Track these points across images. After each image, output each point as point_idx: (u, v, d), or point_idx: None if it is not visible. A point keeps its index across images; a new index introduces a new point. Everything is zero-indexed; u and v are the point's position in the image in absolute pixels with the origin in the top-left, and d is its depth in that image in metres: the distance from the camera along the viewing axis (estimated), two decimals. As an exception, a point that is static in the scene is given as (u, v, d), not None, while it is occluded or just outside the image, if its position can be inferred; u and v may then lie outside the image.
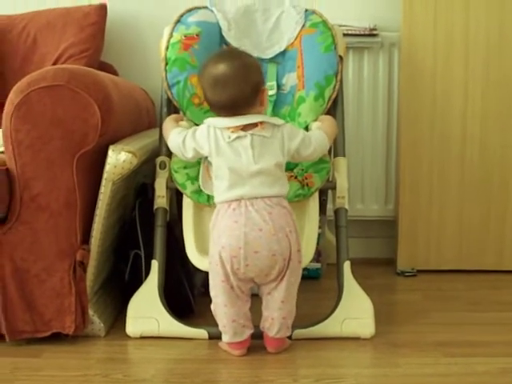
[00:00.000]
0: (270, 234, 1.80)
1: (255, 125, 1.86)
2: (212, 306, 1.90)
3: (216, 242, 1.83)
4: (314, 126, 2.02)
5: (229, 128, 1.86)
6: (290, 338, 1.92)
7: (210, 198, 2.01)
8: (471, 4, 2.53)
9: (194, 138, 1.90)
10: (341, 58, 2.15)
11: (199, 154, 1.91)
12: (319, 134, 1.97)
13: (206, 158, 1.93)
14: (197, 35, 2.15)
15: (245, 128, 1.86)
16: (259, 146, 1.84)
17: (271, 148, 1.86)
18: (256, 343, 1.90)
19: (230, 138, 1.85)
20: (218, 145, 1.86)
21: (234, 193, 1.83)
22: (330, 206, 2.25)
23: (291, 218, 1.85)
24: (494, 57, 2.55)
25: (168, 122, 2.04)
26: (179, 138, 1.93)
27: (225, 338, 1.89)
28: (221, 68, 1.86)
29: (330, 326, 1.96)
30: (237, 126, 1.85)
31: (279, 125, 1.89)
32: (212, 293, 1.88)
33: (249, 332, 1.88)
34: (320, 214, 2.10)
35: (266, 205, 1.82)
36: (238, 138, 1.85)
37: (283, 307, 1.85)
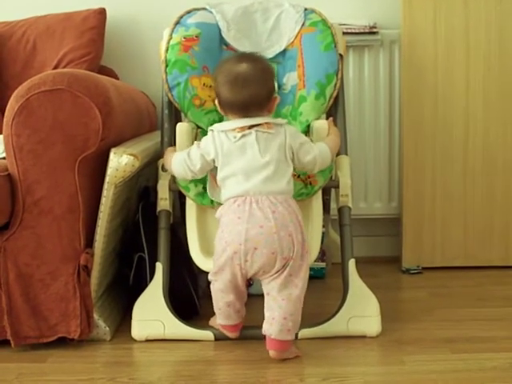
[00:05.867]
0: (270, 231, 1.79)
1: (260, 124, 1.87)
2: (211, 287, 1.91)
3: (220, 236, 1.84)
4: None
5: (234, 129, 1.87)
6: (296, 337, 1.90)
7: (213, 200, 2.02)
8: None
9: (198, 147, 1.91)
10: (341, 56, 2.15)
11: (207, 162, 1.90)
12: (322, 145, 1.96)
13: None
14: (196, 36, 2.15)
15: (250, 127, 1.87)
16: (264, 141, 1.86)
17: (276, 143, 1.86)
18: (261, 344, 1.89)
19: (235, 137, 1.86)
20: (223, 146, 1.86)
21: (239, 188, 1.84)
22: (333, 206, 2.25)
23: (297, 218, 1.84)
24: (495, 52, 2.54)
25: (168, 153, 2.03)
26: (183, 154, 1.93)
27: (219, 319, 1.93)
28: (242, 67, 1.87)
29: (336, 325, 1.96)
30: (243, 127, 1.86)
31: (282, 123, 1.91)
32: (212, 277, 1.89)
33: (242, 316, 1.93)
34: (323, 213, 2.09)
35: (271, 203, 1.82)
36: (243, 136, 1.86)
37: (284, 306, 1.81)
